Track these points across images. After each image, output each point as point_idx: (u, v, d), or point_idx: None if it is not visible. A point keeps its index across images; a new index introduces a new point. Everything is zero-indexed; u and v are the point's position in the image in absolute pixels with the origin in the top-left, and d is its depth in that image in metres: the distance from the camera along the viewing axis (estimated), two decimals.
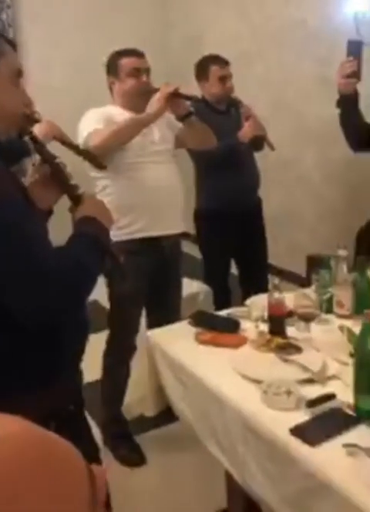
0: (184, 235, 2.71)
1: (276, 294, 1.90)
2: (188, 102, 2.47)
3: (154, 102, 2.34)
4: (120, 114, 2.43)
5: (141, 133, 2.41)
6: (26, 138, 1.38)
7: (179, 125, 2.56)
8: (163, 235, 2.51)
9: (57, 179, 1.42)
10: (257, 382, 1.64)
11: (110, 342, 2.54)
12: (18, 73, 1.27)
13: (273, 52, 4.38)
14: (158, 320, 2.36)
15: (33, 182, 1.44)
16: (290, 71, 4.25)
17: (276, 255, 3.95)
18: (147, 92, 2.44)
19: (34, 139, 1.40)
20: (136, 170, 2.42)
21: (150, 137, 2.49)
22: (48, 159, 1.41)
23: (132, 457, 2.49)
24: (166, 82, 2.41)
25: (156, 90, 2.39)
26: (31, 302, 1.15)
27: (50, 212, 1.47)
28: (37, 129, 1.96)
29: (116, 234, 2.33)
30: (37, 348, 1.22)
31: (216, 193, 3.16)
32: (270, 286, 2.01)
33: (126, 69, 2.44)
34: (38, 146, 1.41)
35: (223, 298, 3.22)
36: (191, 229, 3.28)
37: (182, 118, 2.45)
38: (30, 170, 1.50)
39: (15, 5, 4.89)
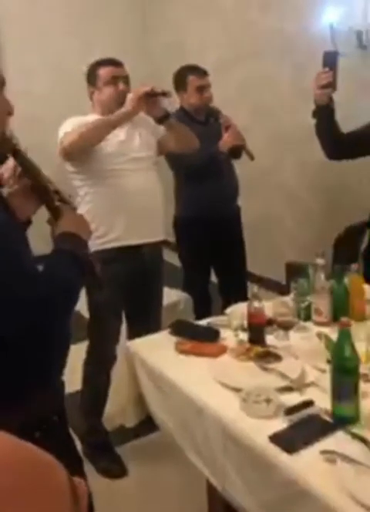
0: (164, 243, 2.71)
1: (255, 303, 1.92)
2: (165, 102, 2.48)
3: (127, 102, 2.34)
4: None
5: (120, 140, 2.42)
6: (13, 141, 1.37)
7: (162, 131, 2.58)
8: (141, 243, 2.52)
9: (37, 191, 1.42)
10: (237, 390, 1.65)
11: (90, 352, 2.53)
12: (1, 83, 1.27)
13: (251, 60, 4.42)
14: (138, 330, 2.36)
15: (13, 192, 1.44)
16: (268, 78, 4.29)
17: (255, 263, 3.98)
18: (124, 99, 2.43)
19: (15, 150, 1.39)
20: (115, 177, 2.42)
21: (130, 144, 2.50)
22: (29, 170, 1.41)
23: (114, 469, 2.48)
24: (142, 83, 2.42)
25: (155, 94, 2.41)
26: (14, 319, 1.14)
27: (29, 222, 1.47)
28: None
29: (93, 243, 2.34)
30: (20, 359, 1.22)
31: (195, 201, 3.19)
32: (249, 294, 2.02)
33: (103, 78, 2.47)
34: (20, 156, 1.40)
35: (203, 307, 3.24)
36: (171, 237, 3.30)
37: (160, 120, 2.46)
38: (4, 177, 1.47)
39: None
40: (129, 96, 2.34)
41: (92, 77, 2.51)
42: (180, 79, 3.17)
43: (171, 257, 3.68)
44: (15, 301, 1.13)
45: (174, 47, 5.24)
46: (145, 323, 2.56)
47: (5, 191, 1.45)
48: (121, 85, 2.47)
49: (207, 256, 3.31)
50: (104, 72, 2.47)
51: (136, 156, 2.48)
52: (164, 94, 2.39)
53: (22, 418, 1.04)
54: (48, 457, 0.58)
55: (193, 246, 3.27)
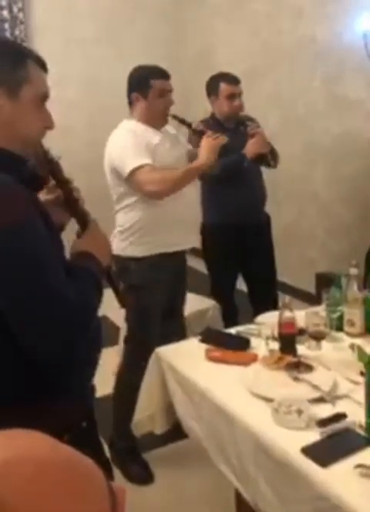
0: (192, 249, 2.75)
1: (287, 313, 1.90)
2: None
3: (203, 154, 2.46)
4: (144, 130, 2.48)
5: (174, 155, 2.52)
6: (48, 155, 1.39)
7: (187, 144, 2.68)
8: (185, 249, 2.63)
9: (68, 203, 1.44)
10: (268, 400, 1.64)
11: (130, 357, 2.53)
12: (44, 97, 1.27)
13: (283, 68, 4.41)
14: (166, 332, 2.45)
15: (46, 200, 1.45)
16: (301, 87, 4.27)
17: (286, 272, 3.95)
18: (175, 117, 2.58)
19: (50, 161, 1.40)
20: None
21: (181, 159, 2.58)
22: (62, 183, 1.43)
23: (141, 475, 2.48)
24: (210, 133, 2.54)
25: (184, 122, 2.60)
26: (41, 333, 1.14)
27: (61, 228, 1.48)
28: None
29: (143, 248, 2.47)
30: (49, 367, 1.23)
31: (220, 208, 3.20)
32: (280, 304, 2.01)
33: (157, 90, 2.49)
34: (54, 169, 1.42)
35: (228, 315, 3.23)
36: (197, 243, 3.30)
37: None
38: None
39: (27, 20, 4.96)
40: (206, 146, 2.47)
41: (142, 85, 2.50)
42: (212, 86, 3.18)
43: (197, 264, 3.68)
44: (45, 317, 1.13)
45: (204, 55, 5.26)
46: (173, 326, 2.64)
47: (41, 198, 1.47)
48: (171, 101, 2.53)
49: (233, 263, 3.29)
50: (159, 85, 2.49)
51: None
52: (200, 132, 2.58)
53: (51, 423, 1.04)
54: (88, 460, 0.58)
55: (218, 252, 3.27)
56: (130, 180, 2.39)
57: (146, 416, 2.05)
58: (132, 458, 2.51)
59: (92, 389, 1.44)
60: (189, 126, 2.62)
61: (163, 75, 2.52)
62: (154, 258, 2.48)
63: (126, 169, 2.37)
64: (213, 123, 3.12)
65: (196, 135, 2.61)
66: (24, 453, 0.52)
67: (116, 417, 2.52)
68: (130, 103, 2.56)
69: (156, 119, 2.51)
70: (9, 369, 1.20)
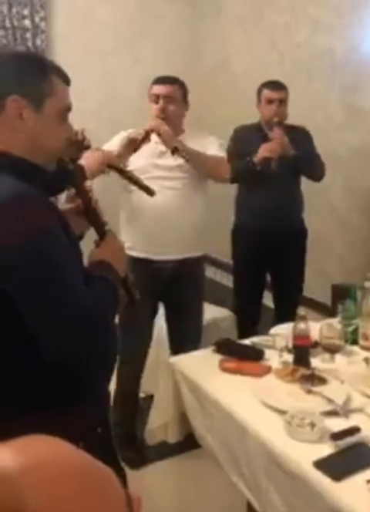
0: (204, 258, 2.73)
1: (301, 325, 1.91)
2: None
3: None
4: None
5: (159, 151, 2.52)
6: (69, 167, 1.42)
7: (211, 150, 2.64)
8: (160, 259, 2.58)
9: (87, 214, 1.46)
10: (281, 412, 1.64)
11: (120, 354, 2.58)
12: (67, 109, 1.30)
13: (300, 79, 4.41)
14: (177, 344, 2.52)
15: (66, 210, 1.48)
16: (318, 98, 4.27)
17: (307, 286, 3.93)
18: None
19: (71, 172, 1.43)
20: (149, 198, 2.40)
21: (164, 159, 2.56)
22: (82, 194, 1.45)
23: (135, 460, 2.48)
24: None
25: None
26: (60, 338, 1.16)
27: (80, 237, 1.51)
28: (90, 157, 2.04)
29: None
30: (63, 374, 1.24)
31: (246, 210, 3.23)
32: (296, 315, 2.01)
33: (150, 94, 2.58)
34: (74, 179, 1.45)
35: (249, 320, 3.20)
36: (213, 252, 3.30)
37: (172, 152, 2.47)
38: (63, 197, 1.54)
39: (48, 30, 5.02)
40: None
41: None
42: (258, 92, 3.24)
43: (213, 273, 3.69)
44: (63, 323, 1.15)
45: (221, 65, 5.27)
46: (182, 338, 2.65)
47: (62, 207, 1.50)
48: (162, 105, 2.53)
49: (259, 269, 3.28)
50: (151, 89, 2.60)
51: (160, 173, 2.51)
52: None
53: (67, 429, 1.05)
54: (105, 467, 0.59)
55: (243, 255, 3.28)
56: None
57: (159, 424, 2.06)
58: (128, 443, 2.54)
59: (108, 394, 1.45)
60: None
61: (159, 80, 2.60)
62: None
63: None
64: (251, 128, 3.13)
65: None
66: (44, 457, 0.53)
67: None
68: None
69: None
70: (26, 375, 1.22)
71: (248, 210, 3.21)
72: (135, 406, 2.61)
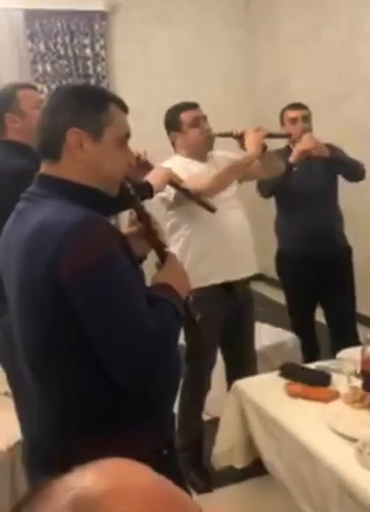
0: (258, 277, 2.70)
1: None
2: None
3: (250, 146, 2.43)
4: (187, 162, 2.53)
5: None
6: (131, 192, 1.45)
7: None
8: (237, 280, 2.54)
9: (149, 236, 1.50)
10: (351, 440, 1.61)
11: (188, 381, 2.56)
12: (126, 137, 1.34)
13: (361, 96, 4.36)
14: (234, 368, 2.50)
15: (129, 233, 1.52)
16: None
17: (366, 304, 3.84)
18: (212, 138, 2.56)
19: (130, 196, 1.47)
20: (211, 216, 2.40)
21: None
22: (143, 217, 1.49)
23: (199, 483, 2.48)
24: (253, 127, 2.51)
25: (228, 135, 2.51)
26: (125, 361, 1.19)
27: (142, 259, 1.54)
28: (154, 175, 2.10)
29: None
30: (128, 397, 1.26)
31: (288, 234, 3.19)
32: (361, 338, 1.96)
33: (187, 121, 2.55)
34: (136, 204, 1.49)
35: (309, 347, 3.16)
36: (267, 271, 3.24)
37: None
38: (126, 219, 1.58)
39: (108, 57, 5.17)
40: (250, 139, 2.44)
41: (173, 123, 2.59)
42: (281, 116, 3.23)
43: (269, 292, 3.62)
44: (130, 346, 1.18)
45: (279, 85, 5.27)
46: (241, 364, 2.62)
47: (123, 230, 1.54)
48: (205, 125, 2.56)
49: (308, 293, 3.22)
50: (186, 116, 2.55)
51: (225, 195, 2.52)
52: (283, 136, 2.46)
53: (133, 451, 1.07)
54: (185, 493, 0.59)
55: (291, 281, 3.24)
56: (176, 198, 2.38)
57: (225, 449, 2.05)
58: (194, 467, 2.54)
59: (173, 416, 1.46)
60: (231, 135, 2.56)
61: (190, 106, 2.57)
62: (204, 291, 2.36)
63: (171, 189, 2.35)
64: (281, 151, 3.14)
65: (239, 140, 2.56)
66: (129, 482, 0.54)
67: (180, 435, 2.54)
68: (173, 145, 2.62)
69: (197, 149, 2.53)
70: (95, 397, 1.25)
71: (288, 235, 3.18)
72: (200, 430, 2.62)
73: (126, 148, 1.36)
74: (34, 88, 2.29)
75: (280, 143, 3.22)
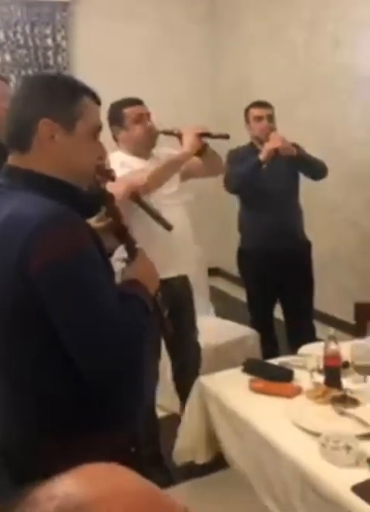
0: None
1: (332, 345, 1.89)
2: None
3: (185, 144, 2.43)
4: (131, 160, 2.50)
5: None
6: (101, 186, 1.44)
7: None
8: (174, 277, 2.54)
9: (119, 233, 1.48)
10: (314, 434, 1.62)
11: None
12: (98, 129, 1.31)
13: (320, 96, 4.42)
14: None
15: (97, 228, 1.49)
16: (338, 115, 4.27)
17: (322, 300, 3.91)
18: (155, 135, 2.55)
19: (102, 191, 1.45)
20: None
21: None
22: (114, 213, 1.47)
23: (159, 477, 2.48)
24: (193, 126, 2.51)
25: (170, 132, 2.52)
26: (92, 355, 1.17)
27: (110, 254, 1.52)
28: (114, 188, 2.05)
29: None
30: (100, 389, 1.24)
31: (250, 232, 3.23)
32: (319, 335, 1.99)
33: (130, 117, 2.53)
34: (105, 198, 1.47)
35: (268, 343, 3.20)
36: (226, 266, 3.26)
37: (199, 152, 2.50)
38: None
39: (69, 48, 5.09)
40: (186, 138, 2.43)
41: (116, 118, 2.56)
42: (245, 113, 3.26)
43: (227, 287, 3.62)
44: (100, 342, 1.16)
45: (242, 83, 5.31)
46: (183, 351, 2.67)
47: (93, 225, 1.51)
48: (148, 123, 2.55)
49: (269, 290, 3.26)
50: (130, 112, 2.53)
51: (165, 192, 2.51)
52: (220, 137, 2.46)
53: (103, 450, 1.05)
54: (169, 497, 0.59)
55: (252, 278, 3.29)
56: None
57: (188, 444, 2.05)
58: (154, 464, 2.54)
59: (139, 412, 1.44)
60: (171, 133, 2.56)
61: (134, 102, 2.56)
62: None
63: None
64: (244, 148, 3.16)
65: (180, 138, 2.52)
66: (118, 487, 0.53)
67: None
68: (115, 139, 2.59)
69: (139, 146, 2.52)
70: (63, 396, 1.22)
71: (252, 232, 3.22)
72: (156, 424, 2.60)
73: (97, 140, 1.33)
74: (5, 80, 2.22)
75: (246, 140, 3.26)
